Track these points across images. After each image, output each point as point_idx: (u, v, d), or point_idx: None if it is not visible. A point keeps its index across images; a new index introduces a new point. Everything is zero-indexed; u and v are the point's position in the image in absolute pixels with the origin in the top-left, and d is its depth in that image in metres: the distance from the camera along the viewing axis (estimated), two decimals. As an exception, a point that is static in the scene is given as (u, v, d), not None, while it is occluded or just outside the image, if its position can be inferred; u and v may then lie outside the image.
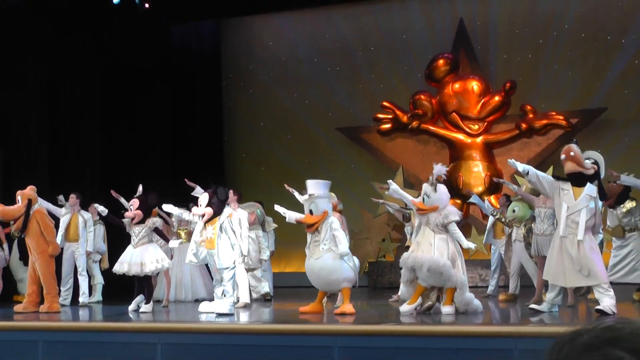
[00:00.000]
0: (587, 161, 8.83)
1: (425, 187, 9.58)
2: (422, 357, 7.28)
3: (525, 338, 7.16)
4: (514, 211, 11.51)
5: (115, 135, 17.21)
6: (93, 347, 8.74)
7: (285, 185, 11.10)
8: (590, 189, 8.70)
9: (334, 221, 9.94)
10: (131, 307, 11.16)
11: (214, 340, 8.40)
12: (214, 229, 10.10)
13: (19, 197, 11.57)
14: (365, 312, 10.01)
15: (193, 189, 12.19)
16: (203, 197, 10.34)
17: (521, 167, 9.01)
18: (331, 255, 9.79)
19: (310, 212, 9.91)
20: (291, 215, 10.26)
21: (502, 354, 6.75)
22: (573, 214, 8.60)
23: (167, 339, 8.47)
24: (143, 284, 11.33)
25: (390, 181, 10.26)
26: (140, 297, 11.22)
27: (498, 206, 12.87)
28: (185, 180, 11.80)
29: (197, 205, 10.62)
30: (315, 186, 10.08)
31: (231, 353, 8.13)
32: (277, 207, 10.48)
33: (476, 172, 16.68)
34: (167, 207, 10.81)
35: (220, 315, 9.74)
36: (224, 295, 10.02)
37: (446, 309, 9.27)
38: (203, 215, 10.17)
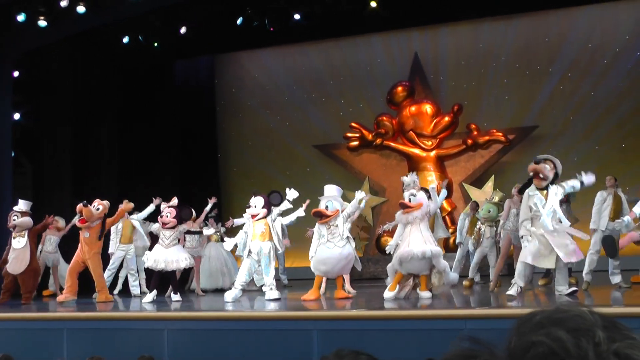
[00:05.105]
0: (546, 166, 8.82)
1: (410, 191, 9.68)
2: (389, 337, 7.26)
3: (472, 319, 7.18)
4: (489, 211, 11.67)
5: (129, 152, 17.24)
6: (110, 333, 8.68)
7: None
8: (554, 189, 8.74)
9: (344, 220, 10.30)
10: (147, 299, 11.20)
11: (210, 325, 8.36)
12: (265, 226, 10.50)
13: (100, 206, 11.57)
14: (339, 300, 9.97)
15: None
16: (258, 200, 10.60)
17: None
18: (349, 246, 10.11)
19: (326, 207, 10.07)
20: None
21: (454, 333, 6.74)
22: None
23: (171, 325, 8.44)
24: (169, 279, 11.49)
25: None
26: (154, 292, 11.31)
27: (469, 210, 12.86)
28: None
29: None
30: (333, 190, 10.37)
31: (221, 337, 8.09)
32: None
33: (430, 180, 16.59)
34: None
35: (270, 300, 10.13)
36: (270, 287, 10.42)
37: (425, 294, 9.36)
38: (254, 215, 10.54)
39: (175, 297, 11.27)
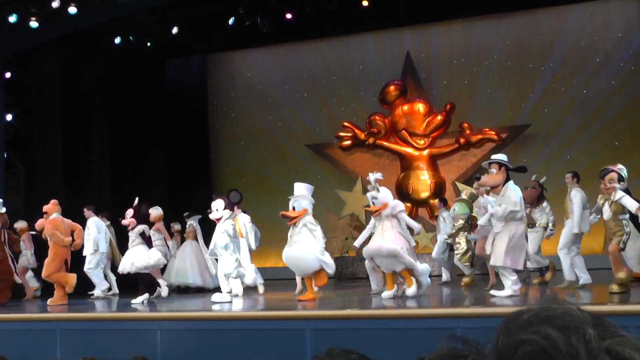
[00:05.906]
0: (492, 170, 8.90)
1: (370, 193, 9.64)
2: (382, 336, 7.27)
3: (465, 318, 7.18)
4: (454, 210, 11.54)
5: (121, 152, 17.22)
6: (103, 334, 8.66)
7: None
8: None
9: (311, 220, 9.78)
10: (136, 300, 11.12)
11: (203, 325, 8.35)
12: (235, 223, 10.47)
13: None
14: (332, 299, 9.97)
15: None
16: (218, 202, 10.40)
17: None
18: (302, 246, 9.61)
19: (293, 208, 9.81)
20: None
21: (447, 332, 6.73)
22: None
23: (165, 325, 8.42)
24: (145, 282, 11.31)
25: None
26: (146, 295, 11.14)
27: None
28: None
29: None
30: (300, 188, 10.06)
31: (214, 337, 8.08)
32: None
33: (423, 179, 16.75)
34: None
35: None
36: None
37: (409, 290, 9.31)
38: (219, 219, 10.38)
39: (142, 297, 11.00)
